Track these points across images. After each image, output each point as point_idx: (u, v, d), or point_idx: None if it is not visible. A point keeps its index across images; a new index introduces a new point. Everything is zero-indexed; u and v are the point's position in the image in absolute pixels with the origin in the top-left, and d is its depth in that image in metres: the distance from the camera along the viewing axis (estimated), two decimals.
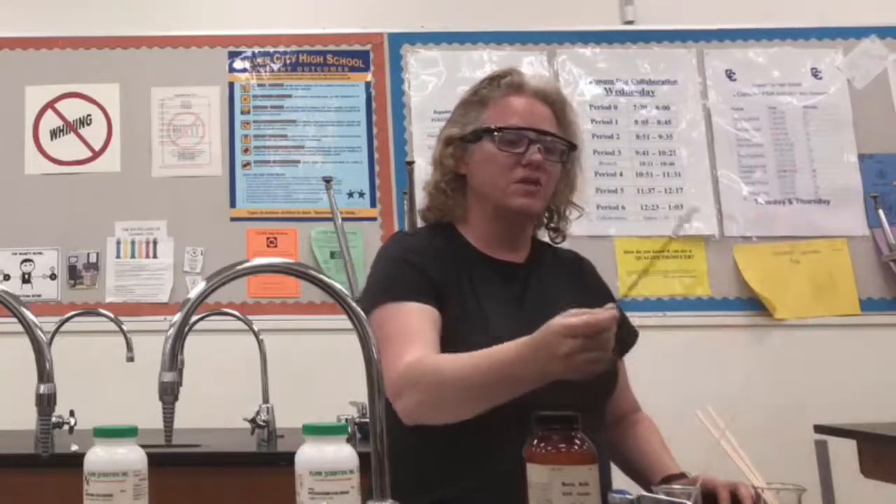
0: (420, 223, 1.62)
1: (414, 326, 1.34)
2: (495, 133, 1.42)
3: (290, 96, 3.29)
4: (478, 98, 1.48)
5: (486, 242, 1.48)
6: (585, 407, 1.27)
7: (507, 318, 1.39)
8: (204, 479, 2.04)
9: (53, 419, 2.08)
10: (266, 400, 2.34)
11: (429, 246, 1.45)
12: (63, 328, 2.32)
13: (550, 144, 1.43)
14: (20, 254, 3.14)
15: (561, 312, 1.19)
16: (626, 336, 1.54)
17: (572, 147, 1.47)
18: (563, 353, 1.12)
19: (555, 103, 1.46)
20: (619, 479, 1.48)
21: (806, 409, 2.84)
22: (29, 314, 1.01)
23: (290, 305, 3.09)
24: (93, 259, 3.13)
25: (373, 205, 3.20)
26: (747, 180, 3.23)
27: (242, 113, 3.28)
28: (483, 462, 1.31)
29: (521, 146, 1.41)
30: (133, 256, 3.14)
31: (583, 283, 1.54)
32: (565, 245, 1.61)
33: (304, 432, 1.03)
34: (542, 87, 1.47)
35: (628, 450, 1.49)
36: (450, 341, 1.35)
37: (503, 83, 1.46)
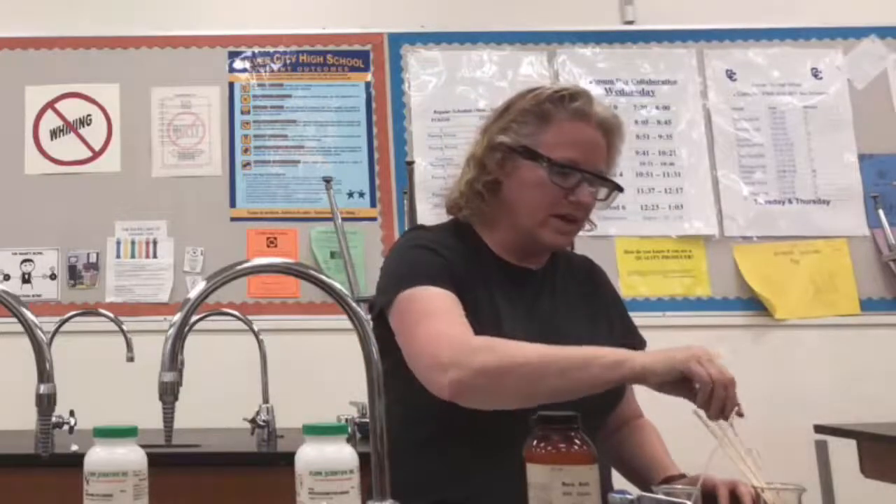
0: (432, 218, 1.59)
1: (447, 307, 1.30)
2: (552, 164, 1.36)
3: (290, 96, 3.29)
4: (540, 111, 1.40)
5: (505, 249, 1.45)
6: (588, 413, 1.28)
7: (518, 321, 1.38)
8: (204, 479, 2.04)
9: (53, 419, 2.08)
10: (266, 400, 2.34)
11: (448, 242, 1.43)
12: (63, 328, 2.32)
13: (601, 184, 1.40)
14: (20, 254, 3.14)
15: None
16: (636, 345, 1.53)
17: (619, 189, 1.43)
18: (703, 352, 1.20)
19: (612, 133, 1.41)
20: (619, 481, 1.48)
21: (806, 409, 2.85)
22: (29, 314, 1.01)
23: (290, 305, 3.09)
24: (93, 259, 3.13)
25: (373, 205, 3.20)
26: (747, 180, 3.23)
27: (242, 113, 3.28)
28: (484, 464, 1.31)
29: (572, 181, 1.37)
30: (133, 256, 3.14)
31: (594, 291, 1.53)
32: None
33: (304, 432, 1.03)
34: (606, 117, 1.41)
35: (629, 453, 1.49)
36: None
37: (572, 107, 1.38)
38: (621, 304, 1.57)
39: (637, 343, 1.52)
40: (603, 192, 1.41)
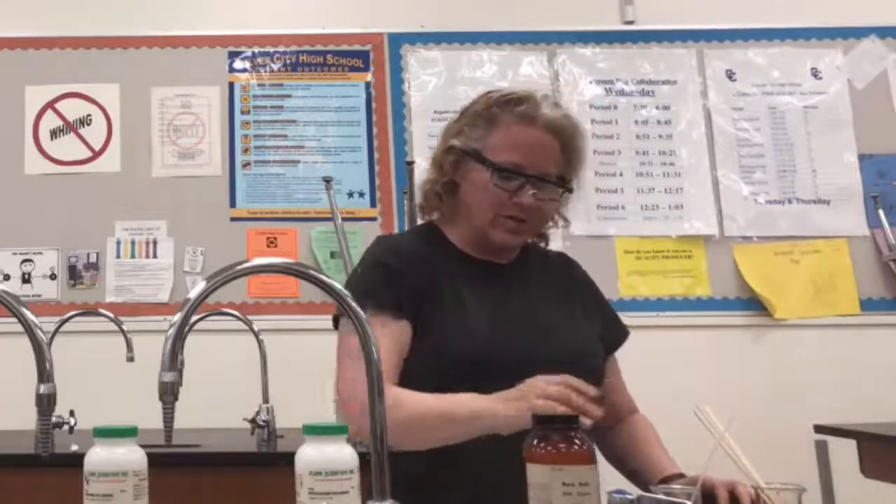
0: (419, 220, 1.63)
1: (387, 349, 1.34)
2: (494, 167, 1.41)
3: (290, 96, 3.29)
4: (489, 115, 1.44)
5: (470, 245, 1.49)
6: (577, 374, 1.30)
7: (485, 316, 1.40)
8: (204, 479, 2.04)
9: (53, 419, 2.08)
10: (266, 400, 2.34)
11: (409, 249, 1.47)
12: (63, 328, 2.32)
13: (547, 185, 1.42)
14: (20, 254, 3.14)
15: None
16: (619, 336, 1.55)
17: (568, 190, 1.46)
18: (541, 387, 1.20)
19: (563, 134, 1.43)
20: (619, 480, 1.48)
21: (806, 409, 2.85)
22: (29, 314, 1.01)
23: (290, 305, 3.09)
24: (93, 259, 3.13)
25: (373, 205, 3.20)
26: (747, 180, 3.23)
27: (242, 113, 3.28)
28: (466, 466, 1.32)
29: (515, 183, 1.40)
30: (133, 256, 3.14)
31: (570, 285, 1.55)
32: (568, 244, 1.63)
33: (304, 432, 1.03)
34: (554, 119, 1.42)
35: (625, 451, 1.50)
36: (425, 341, 1.37)
37: (517, 111, 1.42)
38: (601, 296, 1.59)
39: (621, 335, 1.55)
40: (555, 192, 1.44)
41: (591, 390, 1.21)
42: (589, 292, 1.57)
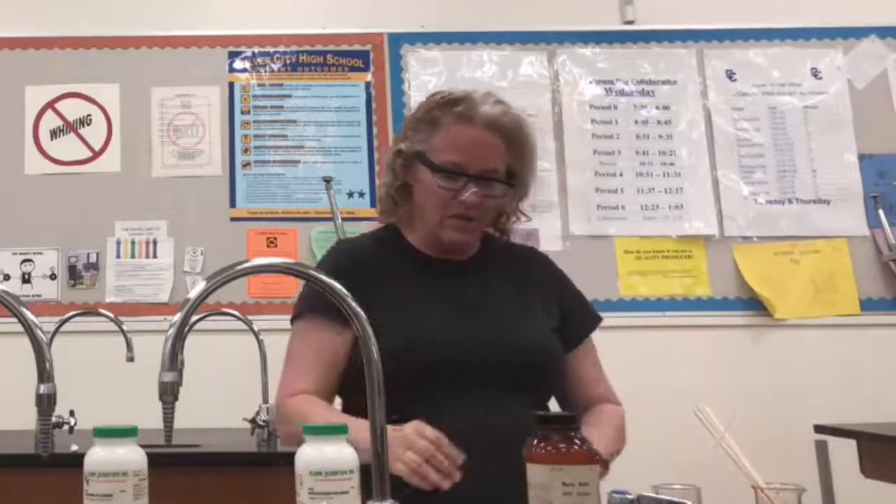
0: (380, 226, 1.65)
1: (308, 355, 1.43)
2: (435, 167, 1.44)
3: (290, 96, 3.29)
4: (430, 118, 1.47)
5: (426, 245, 1.52)
6: (517, 385, 1.33)
7: (439, 315, 1.41)
8: (204, 479, 2.04)
9: (53, 419, 2.08)
10: (266, 400, 2.34)
11: (361, 252, 1.50)
12: (63, 328, 2.32)
13: (490, 182, 1.44)
14: (20, 254, 3.14)
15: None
16: (589, 324, 1.56)
17: (511, 185, 1.48)
18: (408, 448, 1.19)
19: (505, 131, 1.45)
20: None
21: (806, 409, 2.84)
22: (29, 314, 1.01)
23: (290, 305, 3.06)
24: (93, 259, 3.13)
25: (373, 205, 3.20)
26: (747, 180, 3.23)
27: (242, 113, 3.28)
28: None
29: (458, 183, 1.43)
30: (133, 256, 3.14)
31: (531, 279, 1.55)
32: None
33: (304, 432, 1.03)
34: (494, 116, 1.44)
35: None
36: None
37: (455, 111, 1.44)
38: (568, 288, 1.59)
39: (590, 322, 1.56)
40: (500, 189, 1.46)
41: (459, 457, 1.20)
42: (553, 285, 1.57)
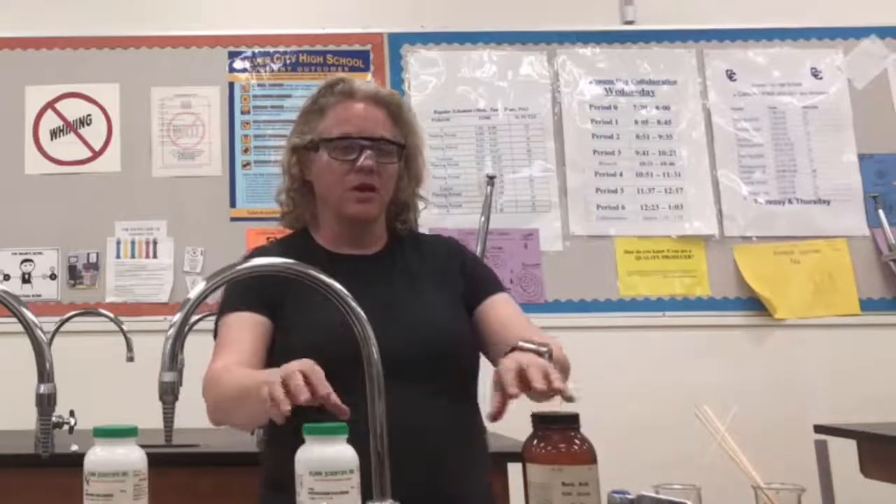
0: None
1: (232, 336, 1.44)
2: (328, 143, 1.48)
3: (290, 96, 3.29)
4: (317, 107, 1.53)
5: (334, 242, 1.54)
6: (428, 376, 1.35)
7: (337, 312, 1.40)
8: (204, 479, 2.04)
9: (53, 419, 2.07)
10: None
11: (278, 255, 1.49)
12: (63, 328, 2.32)
13: (383, 147, 1.49)
14: (20, 254, 3.14)
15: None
16: (490, 287, 1.55)
17: (402, 147, 1.52)
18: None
19: (389, 105, 1.52)
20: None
21: (806, 409, 2.85)
22: (29, 314, 1.01)
23: None
24: (93, 259, 3.13)
25: None
26: (747, 180, 3.23)
27: (242, 113, 3.28)
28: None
29: (353, 153, 1.47)
30: (133, 256, 3.14)
31: (439, 263, 1.56)
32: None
33: (305, 432, 1.04)
34: (373, 90, 1.53)
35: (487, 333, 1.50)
36: (279, 345, 1.43)
37: (336, 91, 1.51)
38: (471, 259, 1.62)
39: (497, 286, 1.56)
40: (393, 152, 1.51)
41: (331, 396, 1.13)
42: (454, 265, 1.57)
